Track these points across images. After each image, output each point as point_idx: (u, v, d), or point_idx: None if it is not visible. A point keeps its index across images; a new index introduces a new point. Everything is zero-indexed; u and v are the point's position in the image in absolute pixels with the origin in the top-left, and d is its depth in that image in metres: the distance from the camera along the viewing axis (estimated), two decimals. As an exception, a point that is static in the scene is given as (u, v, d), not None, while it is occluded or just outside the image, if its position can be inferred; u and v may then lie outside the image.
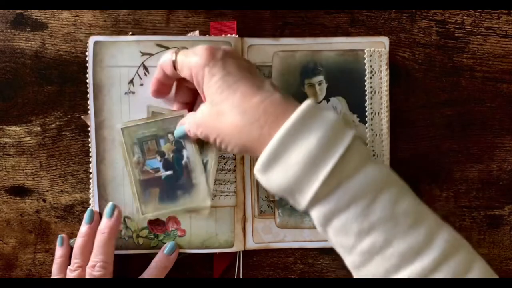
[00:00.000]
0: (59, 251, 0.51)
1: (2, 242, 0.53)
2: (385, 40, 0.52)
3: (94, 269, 0.47)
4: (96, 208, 0.50)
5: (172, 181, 0.50)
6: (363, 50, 0.52)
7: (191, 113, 0.46)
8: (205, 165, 0.49)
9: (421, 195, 0.54)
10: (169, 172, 0.50)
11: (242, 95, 0.38)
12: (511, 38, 0.54)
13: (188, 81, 0.44)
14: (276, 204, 0.53)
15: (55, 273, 0.50)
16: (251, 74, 0.41)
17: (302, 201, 0.37)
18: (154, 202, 0.50)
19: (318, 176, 0.35)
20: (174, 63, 0.44)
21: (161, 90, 0.48)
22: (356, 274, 0.38)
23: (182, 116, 0.49)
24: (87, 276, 0.47)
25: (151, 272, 0.49)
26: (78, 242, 0.49)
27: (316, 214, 0.37)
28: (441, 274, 0.35)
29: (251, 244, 0.53)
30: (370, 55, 0.52)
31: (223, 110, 0.39)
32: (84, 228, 0.49)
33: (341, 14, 0.53)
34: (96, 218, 0.50)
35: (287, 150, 0.36)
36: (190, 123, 0.45)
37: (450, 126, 0.54)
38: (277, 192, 0.38)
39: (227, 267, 0.53)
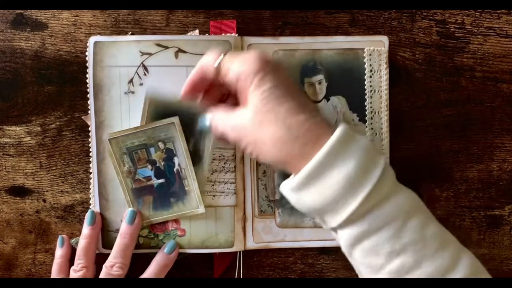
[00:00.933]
0: (59, 252, 0.51)
1: (2, 242, 0.53)
2: (384, 39, 0.52)
3: (112, 268, 0.48)
4: (97, 208, 0.51)
5: (164, 189, 0.50)
6: (362, 49, 0.52)
7: (221, 110, 0.44)
8: (201, 152, 0.49)
9: (421, 195, 0.54)
10: (161, 180, 0.50)
11: (288, 110, 0.38)
12: (511, 38, 0.54)
13: (222, 85, 0.43)
14: (276, 204, 0.53)
15: (55, 273, 0.50)
16: (297, 91, 0.41)
17: (333, 221, 0.38)
18: (148, 210, 0.50)
19: (356, 198, 0.36)
20: (217, 68, 0.42)
21: (194, 92, 0.46)
22: None
23: (172, 124, 0.48)
24: (104, 275, 0.48)
25: (151, 271, 0.49)
26: (81, 244, 0.49)
27: (346, 234, 0.38)
28: None
29: (251, 244, 0.53)
30: (370, 54, 0.52)
31: (267, 121, 0.39)
32: (86, 230, 0.49)
33: (341, 14, 0.53)
34: (97, 219, 0.50)
35: (327, 170, 0.37)
36: (225, 123, 0.43)
37: (450, 126, 0.54)
38: (306, 210, 0.39)
39: (227, 267, 0.53)
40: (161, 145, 0.49)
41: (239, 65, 0.40)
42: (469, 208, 0.54)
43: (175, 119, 0.48)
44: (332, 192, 0.37)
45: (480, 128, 0.54)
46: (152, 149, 0.49)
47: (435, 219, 0.40)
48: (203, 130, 0.47)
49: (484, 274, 0.39)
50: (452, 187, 0.54)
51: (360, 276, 0.41)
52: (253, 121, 0.39)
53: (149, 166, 0.50)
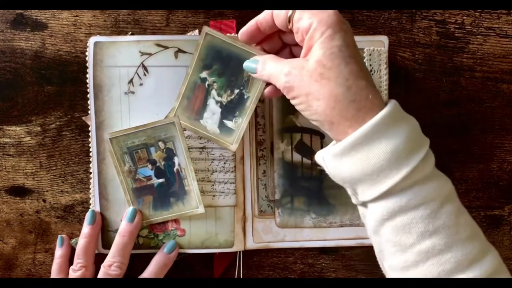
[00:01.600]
0: (59, 251, 0.51)
1: (2, 242, 0.53)
2: (384, 39, 0.52)
3: (110, 268, 0.48)
4: (97, 208, 0.51)
5: (164, 189, 0.50)
6: (362, 49, 0.52)
7: (274, 57, 0.44)
8: (245, 100, 0.48)
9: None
10: (161, 180, 0.50)
11: (352, 71, 0.38)
12: (511, 38, 0.54)
13: (285, 33, 0.43)
14: (276, 204, 0.53)
15: (54, 273, 0.50)
16: (361, 58, 0.41)
17: (369, 193, 0.38)
18: (148, 209, 0.50)
19: (400, 171, 0.36)
20: (290, 17, 0.41)
21: (254, 35, 0.45)
22: (400, 274, 0.38)
23: (172, 124, 0.48)
24: (102, 275, 0.48)
25: (151, 270, 0.49)
26: (81, 243, 0.49)
27: (380, 207, 0.38)
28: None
29: (251, 244, 0.53)
30: (370, 54, 0.52)
31: (328, 76, 0.38)
32: (86, 229, 0.49)
33: (341, 14, 0.53)
34: (98, 219, 0.50)
35: (376, 139, 0.37)
36: (277, 68, 0.42)
37: (450, 126, 0.54)
38: (341, 179, 0.39)
39: (227, 267, 0.53)
40: (161, 144, 0.49)
41: (314, 14, 0.39)
42: (469, 208, 0.54)
43: (175, 119, 0.48)
44: (377, 162, 0.37)
45: (480, 128, 0.54)
46: (152, 149, 0.49)
47: (468, 213, 0.40)
48: (250, 72, 0.45)
49: (506, 274, 0.39)
50: (452, 187, 0.54)
51: (379, 253, 0.41)
52: (312, 72, 0.39)
53: (149, 166, 0.50)
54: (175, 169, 0.50)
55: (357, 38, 0.52)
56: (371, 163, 0.37)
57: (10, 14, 0.52)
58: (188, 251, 0.51)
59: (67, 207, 0.53)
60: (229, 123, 0.49)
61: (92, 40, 0.50)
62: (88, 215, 0.50)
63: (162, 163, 0.50)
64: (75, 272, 0.48)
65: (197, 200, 0.50)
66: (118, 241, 0.49)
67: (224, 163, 0.52)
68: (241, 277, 0.53)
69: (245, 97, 0.48)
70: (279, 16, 0.42)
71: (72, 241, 0.51)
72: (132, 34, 0.52)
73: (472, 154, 0.54)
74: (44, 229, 0.53)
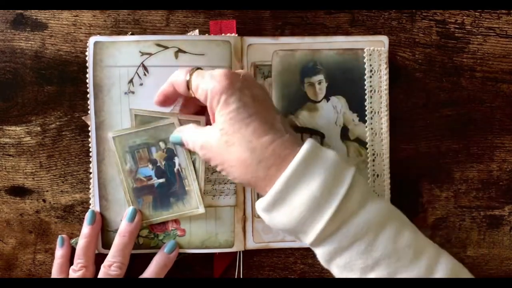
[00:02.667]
0: (59, 252, 0.51)
1: (2, 242, 0.53)
2: (384, 39, 0.52)
3: (110, 268, 0.48)
4: (97, 207, 0.51)
5: (165, 189, 0.50)
6: (362, 49, 0.52)
7: (191, 126, 0.45)
8: (193, 162, 0.49)
9: (421, 195, 0.54)
10: (161, 180, 0.50)
11: (253, 131, 0.39)
12: (511, 38, 0.54)
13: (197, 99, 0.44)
14: (276, 204, 0.53)
15: (55, 274, 0.50)
16: (265, 109, 0.41)
17: (306, 240, 0.39)
18: (148, 209, 0.50)
19: (322, 217, 0.37)
20: (188, 83, 0.43)
21: (166, 102, 0.48)
22: None
23: (172, 125, 0.48)
24: (102, 275, 0.48)
25: (151, 271, 0.49)
26: (81, 243, 0.49)
27: (320, 252, 0.39)
28: None
29: (251, 244, 0.53)
30: (370, 54, 0.52)
31: (233, 142, 0.39)
32: (86, 229, 0.49)
33: (341, 14, 0.53)
34: (98, 219, 0.50)
35: (291, 192, 0.37)
36: (193, 141, 0.44)
37: (450, 126, 0.54)
38: (281, 230, 0.40)
39: (227, 267, 0.53)
40: (162, 144, 0.49)
41: (207, 83, 0.41)
42: (469, 208, 0.54)
43: (175, 120, 0.48)
44: (299, 213, 0.37)
45: (480, 128, 0.54)
46: (153, 149, 0.49)
47: (411, 225, 0.40)
48: (175, 143, 0.48)
49: (465, 274, 0.39)
50: (452, 187, 0.54)
51: None
52: (219, 142, 0.40)
53: (150, 166, 0.50)
54: (175, 169, 0.50)
55: (357, 38, 0.53)
56: (295, 215, 0.37)
57: (10, 14, 0.52)
58: (188, 251, 0.51)
59: (67, 207, 0.53)
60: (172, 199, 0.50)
61: (92, 40, 0.50)
62: (87, 215, 0.50)
63: (163, 163, 0.50)
64: (75, 272, 0.48)
65: (197, 200, 0.50)
66: (118, 241, 0.49)
67: (224, 163, 0.51)
68: (241, 277, 0.53)
69: (176, 161, 0.49)
70: (179, 86, 0.44)
71: (72, 241, 0.51)
72: (132, 34, 0.52)
73: (472, 154, 0.54)
74: (44, 229, 0.53)
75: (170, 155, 0.49)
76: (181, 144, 0.46)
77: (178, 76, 0.44)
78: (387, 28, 0.53)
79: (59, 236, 0.51)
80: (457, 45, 0.54)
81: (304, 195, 0.37)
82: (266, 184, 0.39)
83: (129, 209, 0.50)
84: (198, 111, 0.48)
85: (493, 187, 0.54)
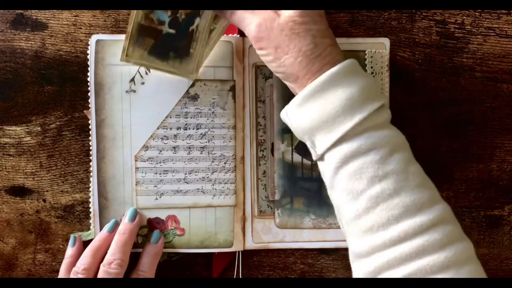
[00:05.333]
0: (69, 251, 0.50)
1: (2, 242, 0.53)
2: (385, 41, 0.52)
3: (110, 266, 0.47)
4: (95, 206, 0.50)
5: (170, 40, 0.46)
6: (364, 51, 0.52)
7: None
8: (211, 31, 0.47)
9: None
10: (171, 31, 0.46)
11: (319, 30, 0.41)
12: (511, 38, 0.54)
13: None
14: (276, 204, 0.53)
15: (63, 273, 0.49)
16: (326, 22, 0.43)
17: (325, 142, 0.40)
18: (143, 51, 0.46)
19: (352, 118, 0.39)
20: None
21: None
22: (353, 225, 0.40)
23: None
24: (101, 274, 0.47)
25: (144, 261, 0.49)
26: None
27: (334, 154, 0.40)
28: (435, 234, 0.38)
29: (250, 244, 0.53)
30: (371, 56, 0.52)
31: (298, 31, 0.40)
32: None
33: (341, 14, 0.53)
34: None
35: (333, 87, 0.39)
36: (246, 17, 0.42)
37: (450, 126, 0.54)
38: (302, 131, 0.41)
39: (226, 267, 0.53)
40: None
41: None
42: (469, 208, 0.54)
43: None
44: (333, 108, 0.39)
45: (480, 128, 0.54)
46: None
47: (420, 167, 0.41)
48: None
49: (457, 224, 0.40)
50: (452, 187, 0.54)
51: (337, 212, 0.42)
52: (284, 26, 0.40)
53: (169, 12, 0.46)
54: (191, 28, 0.46)
55: (358, 39, 0.53)
56: (327, 110, 0.39)
57: (10, 14, 0.52)
58: (187, 250, 0.51)
59: (67, 207, 0.53)
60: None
61: (93, 38, 0.50)
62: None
63: (183, 17, 0.46)
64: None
65: (194, 66, 0.48)
66: (118, 239, 0.49)
67: (225, 163, 0.52)
68: (240, 277, 0.53)
69: (195, 21, 0.46)
70: None
71: (81, 233, 0.51)
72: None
73: (472, 154, 0.54)
74: (44, 229, 0.53)
75: (194, 13, 0.46)
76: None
77: None
78: (387, 28, 0.53)
79: (71, 235, 0.51)
80: (457, 45, 0.54)
81: (343, 93, 0.39)
82: (310, 78, 0.40)
83: (129, 210, 0.50)
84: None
85: (493, 187, 0.54)
